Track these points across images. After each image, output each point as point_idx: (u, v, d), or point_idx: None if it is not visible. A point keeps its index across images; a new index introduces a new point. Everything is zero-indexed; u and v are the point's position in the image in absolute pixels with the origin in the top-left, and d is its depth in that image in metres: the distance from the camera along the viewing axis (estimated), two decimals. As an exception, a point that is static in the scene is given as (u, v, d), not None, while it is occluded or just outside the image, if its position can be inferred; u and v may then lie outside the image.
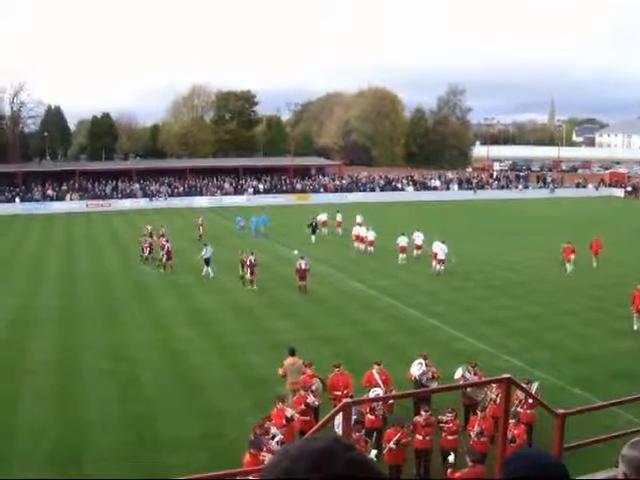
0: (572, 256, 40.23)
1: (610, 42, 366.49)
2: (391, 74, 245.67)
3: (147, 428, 18.68)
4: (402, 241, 44.03)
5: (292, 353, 19.89)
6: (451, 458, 14.92)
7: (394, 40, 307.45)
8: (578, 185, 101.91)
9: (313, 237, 52.88)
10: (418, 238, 44.52)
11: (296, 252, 45.92)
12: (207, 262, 39.51)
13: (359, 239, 48.98)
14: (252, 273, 36.23)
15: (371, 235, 47.59)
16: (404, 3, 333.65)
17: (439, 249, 40.21)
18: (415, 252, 44.79)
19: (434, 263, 40.69)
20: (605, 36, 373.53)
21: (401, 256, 43.82)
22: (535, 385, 17.42)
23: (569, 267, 40.12)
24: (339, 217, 57.04)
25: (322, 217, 57.36)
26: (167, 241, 41.80)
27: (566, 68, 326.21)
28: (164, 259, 40.90)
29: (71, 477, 15.77)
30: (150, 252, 42.36)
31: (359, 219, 53.05)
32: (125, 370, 23.41)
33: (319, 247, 49.36)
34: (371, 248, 47.20)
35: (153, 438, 18.05)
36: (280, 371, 19.59)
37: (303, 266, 35.50)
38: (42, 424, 18.79)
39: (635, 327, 28.68)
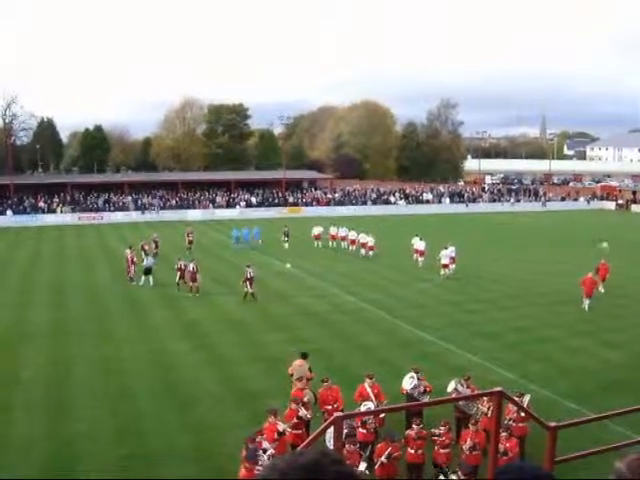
0: (606, 275, 38.74)
1: (603, 58, 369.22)
2: (384, 88, 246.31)
3: (139, 441, 18.58)
4: (420, 245, 48.40)
5: (304, 357, 21.06)
6: (441, 478, 14.88)
7: (388, 54, 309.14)
8: (563, 199, 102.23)
9: (286, 244, 56.23)
10: (448, 255, 43.85)
11: (288, 265, 46.08)
12: (147, 272, 40.37)
13: (353, 243, 54.41)
14: (251, 286, 36.40)
15: (371, 241, 51.52)
16: (397, 18, 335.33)
17: (444, 255, 42.89)
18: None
19: (442, 270, 42.81)
20: (598, 52, 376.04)
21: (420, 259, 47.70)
22: (527, 398, 17.44)
23: (601, 288, 37.89)
24: (332, 230, 57.26)
25: (316, 230, 57.55)
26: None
27: (558, 83, 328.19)
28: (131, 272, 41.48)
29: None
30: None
31: (348, 232, 56.23)
32: (116, 383, 23.30)
33: (312, 260, 49.37)
34: (371, 252, 51.11)
35: (144, 452, 17.95)
36: (289, 370, 20.54)
37: (250, 274, 36.34)
38: (33, 437, 18.67)
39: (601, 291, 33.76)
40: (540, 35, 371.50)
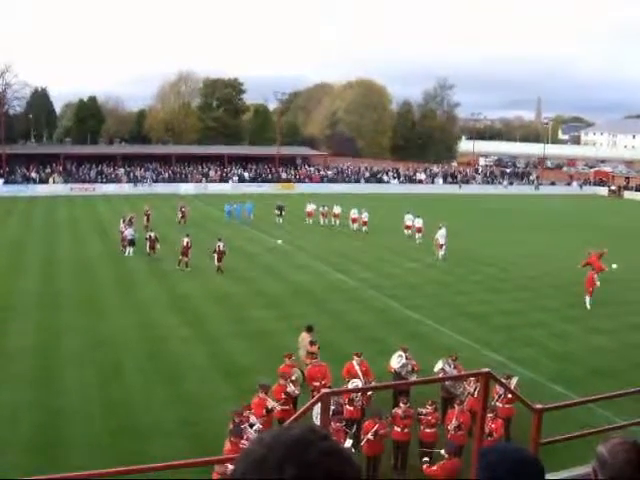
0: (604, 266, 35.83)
1: (602, 44, 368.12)
2: (381, 67, 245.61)
3: (127, 415, 18.61)
4: (417, 222, 50.08)
5: (309, 330, 21.30)
6: (425, 459, 14.96)
7: (385, 33, 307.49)
8: (553, 183, 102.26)
9: (280, 219, 57.03)
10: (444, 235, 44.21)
11: (280, 242, 46.11)
12: (131, 243, 41.14)
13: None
14: (219, 260, 36.92)
15: (365, 216, 53.31)
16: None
17: (440, 235, 43.04)
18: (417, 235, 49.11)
19: (438, 250, 42.92)
20: (597, 38, 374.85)
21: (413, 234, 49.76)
22: (514, 380, 17.51)
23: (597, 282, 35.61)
24: (325, 208, 57.25)
25: (310, 207, 57.58)
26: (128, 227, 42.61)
27: (555, 67, 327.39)
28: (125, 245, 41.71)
29: (49, 464, 15.69)
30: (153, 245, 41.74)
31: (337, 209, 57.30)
32: (105, 357, 23.30)
33: (303, 237, 49.41)
34: (365, 227, 52.97)
35: (133, 425, 17.99)
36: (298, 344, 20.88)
37: (221, 248, 36.94)
38: (20, 408, 18.67)
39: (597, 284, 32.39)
40: (539, 19, 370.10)
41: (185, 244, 37.74)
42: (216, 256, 36.90)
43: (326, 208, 57.26)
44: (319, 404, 6.17)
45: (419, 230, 49.21)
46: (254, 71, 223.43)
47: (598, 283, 34.84)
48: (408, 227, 51.24)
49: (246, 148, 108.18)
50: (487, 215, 68.43)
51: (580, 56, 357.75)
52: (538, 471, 2.73)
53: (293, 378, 17.59)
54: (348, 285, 35.18)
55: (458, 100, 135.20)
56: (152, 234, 40.61)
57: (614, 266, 39.12)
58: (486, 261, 42.50)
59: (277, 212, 57.28)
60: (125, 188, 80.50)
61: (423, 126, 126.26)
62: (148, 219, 49.75)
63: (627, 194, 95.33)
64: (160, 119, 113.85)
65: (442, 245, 42.79)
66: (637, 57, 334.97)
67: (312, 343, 19.94)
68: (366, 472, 15.28)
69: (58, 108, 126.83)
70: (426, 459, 14.62)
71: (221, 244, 36.93)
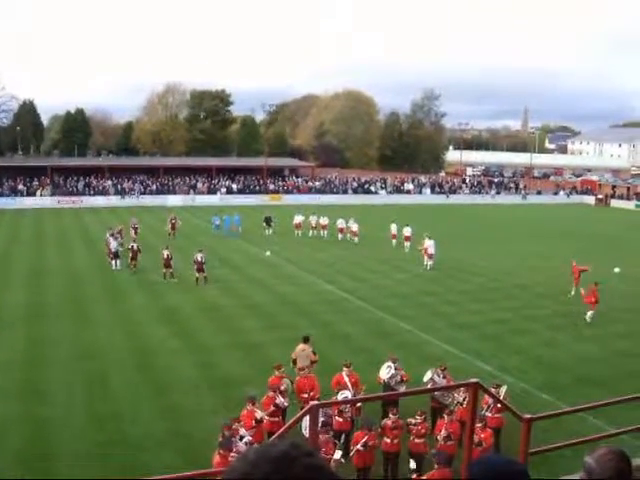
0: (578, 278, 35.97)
1: (588, 54, 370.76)
2: (368, 78, 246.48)
3: (115, 427, 18.52)
4: (406, 231, 50.33)
5: (305, 340, 21.12)
6: (412, 464, 14.92)
7: (372, 43, 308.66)
8: (539, 192, 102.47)
9: (268, 230, 56.84)
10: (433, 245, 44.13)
11: (268, 253, 46.08)
12: (115, 255, 40.79)
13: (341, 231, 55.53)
14: (199, 270, 36.88)
15: (355, 227, 54.05)
16: (382, 7, 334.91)
17: (429, 245, 42.89)
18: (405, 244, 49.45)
19: (425, 259, 42.83)
20: (583, 48, 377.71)
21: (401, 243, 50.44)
22: (504, 389, 17.54)
23: (573, 290, 35.85)
24: (313, 219, 57.25)
25: (297, 219, 57.53)
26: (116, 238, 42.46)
27: (541, 77, 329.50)
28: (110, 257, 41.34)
29: (38, 476, 15.60)
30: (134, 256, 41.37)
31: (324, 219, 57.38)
32: (93, 368, 23.20)
33: (292, 249, 49.39)
34: (355, 238, 53.54)
35: (122, 437, 17.90)
36: (293, 355, 20.61)
37: (199, 259, 36.84)
38: (8, 421, 18.58)
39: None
40: (525, 30, 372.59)
41: (165, 256, 37.68)
42: (196, 267, 36.81)
43: (314, 219, 57.25)
44: (308, 416, 6.15)
45: (407, 239, 49.39)
46: (241, 83, 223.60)
47: (573, 292, 34.99)
48: (394, 236, 51.41)
49: (234, 160, 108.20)
50: (475, 225, 68.56)
51: (566, 66, 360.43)
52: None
53: (282, 388, 17.56)
54: (337, 296, 35.15)
55: (445, 110, 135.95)
56: (134, 245, 40.34)
57: (616, 270, 39.50)
58: (475, 271, 42.55)
59: (265, 224, 57.09)
60: (113, 200, 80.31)
61: (410, 136, 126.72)
62: (136, 232, 49.65)
63: (614, 202, 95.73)
64: (147, 131, 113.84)
65: (432, 255, 42.66)
66: (622, 67, 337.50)
67: (314, 353, 20.29)
68: (356, 483, 15.25)
69: (45, 120, 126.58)
70: (413, 466, 14.62)
71: (200, 255, 36.84)
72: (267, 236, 55.44)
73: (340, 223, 55.40)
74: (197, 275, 36.75)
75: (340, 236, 54.65)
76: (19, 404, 19.95)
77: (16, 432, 18.00)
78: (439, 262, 43.14)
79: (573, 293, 35.62)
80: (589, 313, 30.95)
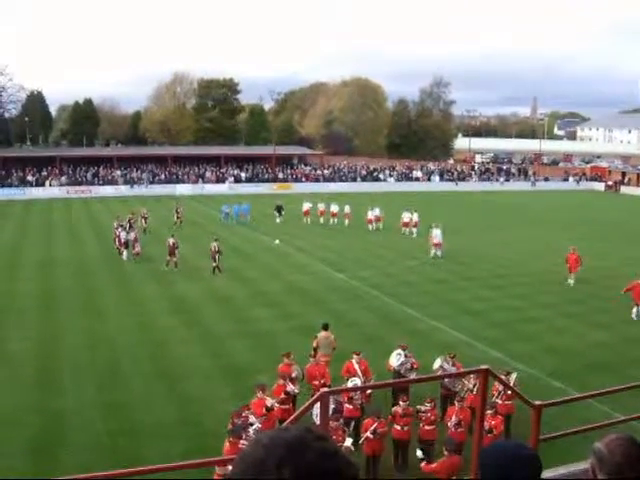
0: (577, 266, 35.26)
1: (597, 40, 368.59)
2: (377, 65, 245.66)
3: (127, 417, 18.60)
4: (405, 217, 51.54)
5: (325, 328, 21.05)
6: (419, 454, 14.94)
7: (380, 31, 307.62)
8: (547, 179, 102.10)
9: (279, 219, 56.89)
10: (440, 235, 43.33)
11: (277, 242, 46.10)
12: (125, 245, 40.71)
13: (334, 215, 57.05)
14: (215, 259, 36.80)
15: (347, 208, 55.84)
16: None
17: (435, 234, 42.56)
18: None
19: (433, 249, 42.49)
20: (592, 33, 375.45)
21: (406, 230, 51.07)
22: (514, 376, 17.55)
23: (571, 280, 35.44)
24: (321, 206, 57.25)
25: (306, 206, 57.51)
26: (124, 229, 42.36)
27: (550, 63, 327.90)
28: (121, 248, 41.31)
29: (49, 466, 15.70)
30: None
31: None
32: (103, 358, 23.31)
33: (301, 237, 49.40)
34: (347, 221, 55.39)
35: (133, 427, 17.98)
36: (314, 343, 20.60)
37: (216, 248, 36.84)
38: (20, 411, 18.67)
39: (571, 282, 34.65)
40: (535, 16, 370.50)
41: (171, 244, 37.75)
42: (211, 255, 36.89)
43: (322, 206, 57.27)
44: (319, 403, 6.17)
45: (415, 225, 49.49)
46: (249, 71, 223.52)
47: (571, 281, 34.81)
48: (406, 224, 51.28)
49: (242, 148, 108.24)
50: (484, 212, 68.43)
51: (575, 52, 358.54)
52: (536, 467, 2.73)
53: (293, 375, 17.61)
54: (347, 284, 35.17)
55: (454, 97, 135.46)
56: (133, 235, 40.57)
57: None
58: (484, 258, 42.49)
59: (276, 212, 57.14)
60: (122, 190, 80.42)
61: (419, 124, 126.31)
62: (145, 221, 49.84)
63: (624, 189, 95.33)
64: (156, 120, 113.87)
65: (439, 244, 42.44)
66: (632, 53, 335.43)
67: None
68: (366, 471, 15.29)
69: (54, 111, 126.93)
70: (420, 455, 14.65)
71: (215, 244, 36.87)
72: (277, 224, 55.44)
73: (370, 214, 54.70)
74: (213, 264, 36.84)
75: (370, 227, 53.90)
76: (30, 394, 20.05)
77: (28, 422, 18.09)
78: (448, 249, 43.07)
79: (572, 282, 35.26)
80: (634, 309, 29.64)
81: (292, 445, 1.72)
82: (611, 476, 2.76)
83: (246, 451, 1.78)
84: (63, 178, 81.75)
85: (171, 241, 37.84)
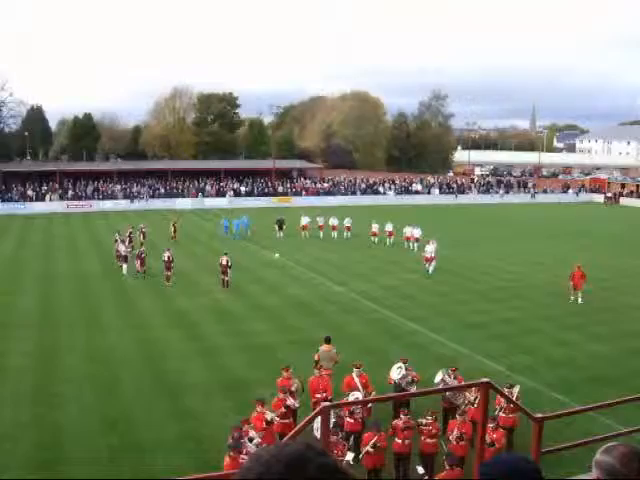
0: (583, 283, 34.30)
1: (595, 52, 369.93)
2: (375, 78, 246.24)
3: (127, 431, 18.55)
4: (415, 232, 50.54)
5: (327, 341, 21.01)
6: (420, 470, 14.88)
7: (379, 44, 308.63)
8: (545, 191, 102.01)
9: (279, 233, 56.59)
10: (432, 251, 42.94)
11: (277, 255, 46.06)
12: (125, 259, 40.57)
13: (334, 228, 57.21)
14: (224, 273, 36.73)
15: (347, 222, 56.48)
16: (390, 8, 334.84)
17: (428, 249, 42.02)
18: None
19: (426, 264, 41.76)
20: (591, 46, 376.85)
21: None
22: (517, 389, 17.49)
23: (579, 298, 34.14)
24: (320, 220, 57.18)
25: (304, 221, 57.44)
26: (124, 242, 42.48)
27: (549, 76, 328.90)
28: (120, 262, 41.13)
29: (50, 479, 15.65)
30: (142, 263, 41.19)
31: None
32: (104, 372, 23.26)
33: (301, 250, 49.39)
34: (348, 233, 55.98)
35: (133, 441, 17.92)
36: (315, 356, 20.52)
37: (224, 262, 36.67)
38: (20, 426, 18.62)
39: (578, 300, 33.68)
40: (533, 29, 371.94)
41: (167, 259, 37.66)
42: (220, 270, 36.81)
43: (321, 220, 57.21)
44: (319, 417, 6.15)
45: (417, 240, 49.36)
46: (248, 85, 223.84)
47: (578, 299, 34.05)
48: (407, 238, 51.07)
49: (242, 162, 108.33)
50: (484, 224, 68.43)
51: (574, 65, 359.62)
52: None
53: (292, 389, 17.56)
54: (346, 297, 35.14)
55: (453, 110, 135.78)
56: (166, 254, 38.54)
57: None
58: (484, 270, 42.45)
59: (277, 227, 56.96)
60: (122, 204, 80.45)
61: (418, 137, 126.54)
62: (144, 236, 49.80)
63: (623, 201, 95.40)
64: (155, 135, 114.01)
65: (430, 259, 41.64)
66: (631, 65, 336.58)
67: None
68: (368, 485, 15.24)
69: (53, 125, 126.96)
70: (421, 471, 14.61)
71: (225, 258, 36.78)
72: (278, 239, 55.31)
73: (347, 222, 56.18)
74: (221, 277, 36.76)
75: (374, 239, 53.53)
76: (30, 409, 20.00)
77: (28, 437, 18.05)
78: (449, 261, 43.09)
79: (581, 301, 34.03)
80: (579, 297, 30.30)
81: (292, 460, 1.71)
82: None
83: (246, 466, 1.77)
84: (63, 192, 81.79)
85: (166, 255, 37.76)
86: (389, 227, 53.40)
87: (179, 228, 54.02)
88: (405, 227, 52.18)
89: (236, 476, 1.78)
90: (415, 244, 49.54)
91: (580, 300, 34.04)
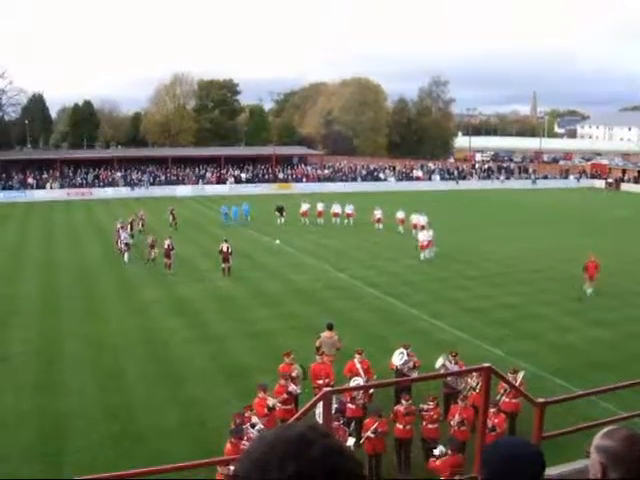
0: (596, 274, 33.09)
1: (597, 38, 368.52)
2: (375, 64, 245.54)
3: (129, 418, 18.60)
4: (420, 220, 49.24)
5: (330, 327, 21.03)
6: (437, 451, 14.91)
7: (379, 30, 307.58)
8: (545, 177, 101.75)
9: (280, 219, 56.64)
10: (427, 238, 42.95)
11: (278, 242, 46.09)
12: (127, 247, 40.52)
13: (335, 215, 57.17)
14: (225, 260, 36.67)
15: (349, 209, 56.42)
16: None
17: (423, 236, 41.99)
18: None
19: (421, 252, 41.48)
20: (592, 31, 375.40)
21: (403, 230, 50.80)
22: (521, 374, 17.50)
23: (589, 289, 32.97)
24: (320, 206, 57.10)
25: (304, 207, 57.36)
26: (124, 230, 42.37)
27: (550, 61, 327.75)
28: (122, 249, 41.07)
29: (53, 468, 15.70)
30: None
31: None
32: (106, 360, 23.31)
33: (301, 237, 49.37)
34: (350, 219, 55.97)
35: (135, 428, 17.98)
36: (317, 342, 20.47)
37: (225, 249, 36.59)
38: (22, 414, 18.67)
39: (588, 291, 32.42)
40: (534, 14, 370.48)
41: (166, 246, 37.64)
42: (221, 257, 36.81)
43: (322, 206, 57.15)
44: (321, 403, 6.16)
45: (422, 227, 48.70)
46: (248, 72, 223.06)
47: (590, 290, 33.23)
48: (414, 226, 49.77)
49: (242, 149, 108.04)
50: (485, 210, 68.36)
51: (575, 50, 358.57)
52: (540, 464, 2.71)
53: (293, 375, 17.59)
54: (347, 283, 35.16)
55: (453, 96, 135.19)
56: (150, 239, 39.62)
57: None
58: (485, 256, 42.46)
59: (277, 213, 56.97)
60: (122, 192, 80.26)
61: (419, 123, 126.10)
62: (143, 224, 49.79)
63: (624, 186, 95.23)
64: (156, 122, 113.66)
65: (428, 245, 41.49)
66: (632, 50, 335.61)
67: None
68: (368, 470, 15.28)
69: (54, 113, 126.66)
70: (436, 451, 14.63)
71: (225, 245, 36.76)
72: (279, 225, 55.31)
73: (349, 209, 56.17)
74: (223, 265, 36.70)
75: (378, 226, 53.51)
76: (33, 397, 20.05)
77: (30, 425, 18.09)
78: (449, 248, 43.07)
79: (590, 291, 32.81)
80: (589, 290, 29.89)
81: (296, 442, 1.72)
82: (628, 476, 2.68)
83: (251, 448, 1.77)
84: (64, 180, 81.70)
85: (166, 243, 37.77)
86: (349, 209, 55.84)
87: (178, 216, 53.87)
88: (412, 214, 51.61)
89: (240, 457, 1.79)
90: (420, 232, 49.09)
91: (590, 291, 32.77)
